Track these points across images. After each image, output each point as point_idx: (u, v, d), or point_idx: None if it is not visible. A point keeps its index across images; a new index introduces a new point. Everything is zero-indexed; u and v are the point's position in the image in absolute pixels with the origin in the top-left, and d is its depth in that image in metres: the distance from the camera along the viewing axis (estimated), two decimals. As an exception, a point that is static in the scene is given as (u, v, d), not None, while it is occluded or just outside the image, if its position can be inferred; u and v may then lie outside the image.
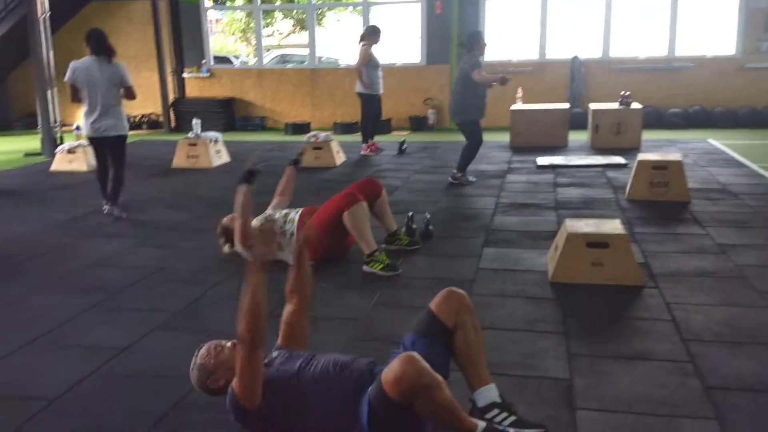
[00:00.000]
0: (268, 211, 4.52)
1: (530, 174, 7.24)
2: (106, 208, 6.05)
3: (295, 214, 4.38)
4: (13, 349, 3.21)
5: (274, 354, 2.51)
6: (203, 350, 2.41)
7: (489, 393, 2.38)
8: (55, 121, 9.72)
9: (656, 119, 10.78)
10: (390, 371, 2.05)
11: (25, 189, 7.33)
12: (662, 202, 5.78)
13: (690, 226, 5.05)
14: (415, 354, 2.08)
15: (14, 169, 8.62)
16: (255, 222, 4.37)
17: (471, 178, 6.88)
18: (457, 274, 4.08)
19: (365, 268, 4.16)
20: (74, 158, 8.29)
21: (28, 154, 9.71)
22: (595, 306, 3.56)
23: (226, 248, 4.48)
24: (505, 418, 2.32)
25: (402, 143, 9.14)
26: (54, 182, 7.64)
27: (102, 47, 5.79)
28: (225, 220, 4.47)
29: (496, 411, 2.34)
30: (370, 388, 2.16)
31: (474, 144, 6.85)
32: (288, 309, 2.66)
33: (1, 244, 5.11)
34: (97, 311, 3.69)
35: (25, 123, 12.72)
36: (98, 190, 6.18)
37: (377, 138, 9.42)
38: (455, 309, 2.45)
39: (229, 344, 2.42)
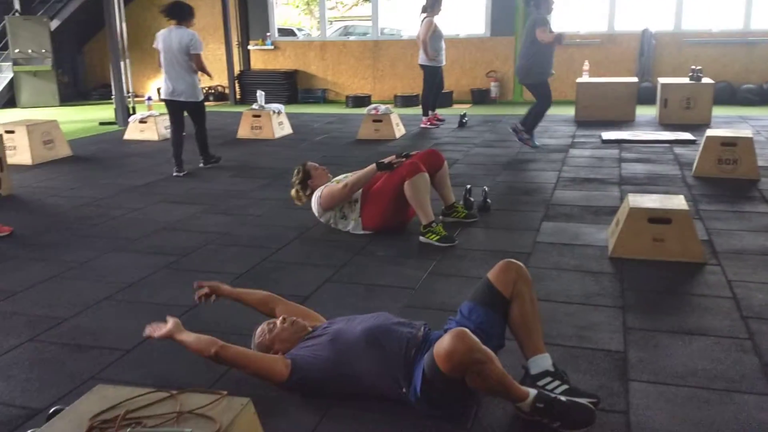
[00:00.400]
0: (349, 175, 4.58)
1: (595, 149, 7.12)
2: (176, 173, 6.37)
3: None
4: (91, 303, 3.44)
5: (317, 324, 2.66)
6: (258, 331, 2.63)
7: (542, 361, 2.42)
8: (128, 92, 10.10)
9: (729, 95, 10.39)
10: (441, 347, 2.13)
11: (101, 156, 7.68)
12: (730, 179, 5.63)
13: (758, 204, 4.91)
14: (466, 330, 2.15)
15: (90, 137, 9.03)
16: (334, 181, 4.48)
17: (536, 143, 6.82)
18: (513, 247, 4.10)
19: (422, 238, 4.22)
20: (146, 128, 8.61)
21: (102, 123, 10.13)
22: (655, 281, 3.54)
23: (293, 192, 4.59)
24: (557, 386, 2.36)
25: (463, 116, 9.11)
26: (127, 150, 7.97)
27: (173, 12, 6.14)
28: (309, 164, 4.60)
29: (548, 379, 2.38)
30: (425, 357, 2.24)
31: (544, 103, 6.81)
32: (277, 314, 2.77)
33: (78, 206, 5.40)
34: (167, 272, 3.89)
35: (101, 93, 13.26)
36: (169, 158, 6.48)
37: (438, 110, 9.41)
38: (513, 279, 2.49)
39: (278, 320, 2.62)
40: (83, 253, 4.25)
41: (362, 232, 4.40)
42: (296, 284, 3.60)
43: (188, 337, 2.51)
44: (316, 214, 4.52)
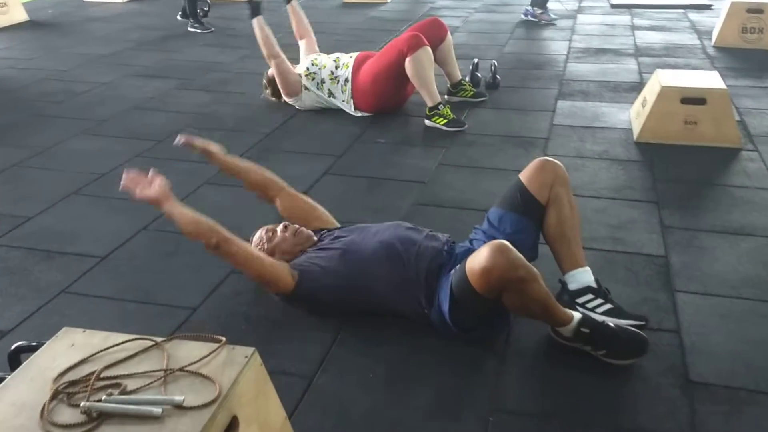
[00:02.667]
0: (312, 56, 4.07)
1: (604, 14, 6.53)
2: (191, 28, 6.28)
3: (348, 59, 3.96)
4: (57, 199, 3.02)
5: (323, 233, 2.30)
6: (255, 238, 2.29)
7: (583, 276, 2.10)
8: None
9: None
10: (477, 262, 1.78)
11: (60, 21, 6.92)
12: (756, 50, 5.17)
13: (791, 79, 4.50)
14: (507, 243, 1.80)
15: None
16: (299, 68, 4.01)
17: (553, 15, 6.20)
18: (529, 132, 3.70)
19: (427, 122, 3.79)
20: (108, -12, 7.77)
21: (59, -17, 9.17)
22: (689, 170, 3.19)
23: (274, 99, 4.17)
24: (599, 305, 2.05)
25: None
26: (88, 14, 7.19)
27: None
28: (270, 71, 4.08)
29: (589, 296, 2.07)
30: (451, 274, 1.91)
31: None
32: (278, 205, 2.43)
33: (39, 80, 4.82)
34: (143, 160, 3.45)
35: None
36: (135, 27, 5.86)
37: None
38: (549, 181, 2.13)
39: (280, 227, 2.27)
40: (47, 136, 3.78)
41: (356, 113, 3.95)
42: (292, 177, 3.14)
43: (180, 211, 1.99)
44: (300, 107, 4.04)
